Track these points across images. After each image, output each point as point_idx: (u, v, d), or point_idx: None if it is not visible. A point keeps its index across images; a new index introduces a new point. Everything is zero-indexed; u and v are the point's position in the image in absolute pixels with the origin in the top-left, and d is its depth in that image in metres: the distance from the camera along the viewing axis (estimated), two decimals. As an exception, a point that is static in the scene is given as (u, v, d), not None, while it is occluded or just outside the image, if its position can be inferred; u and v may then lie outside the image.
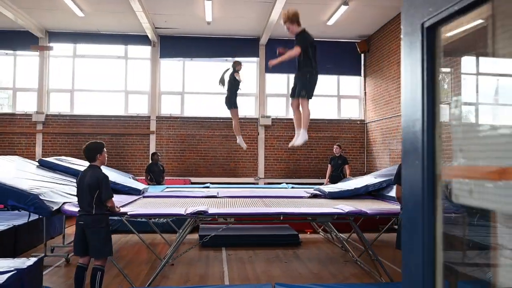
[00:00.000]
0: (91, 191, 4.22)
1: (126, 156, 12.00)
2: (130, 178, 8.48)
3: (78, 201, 4.35)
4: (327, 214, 4.76)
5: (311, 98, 5.08)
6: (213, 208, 5.07)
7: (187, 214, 4.55)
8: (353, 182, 7.57)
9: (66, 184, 5.67)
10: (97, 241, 4.20)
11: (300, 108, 5.16)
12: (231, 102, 7.67)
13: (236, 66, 7.49)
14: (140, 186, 7.20)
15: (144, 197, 6.73)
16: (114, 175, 7.31)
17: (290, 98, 5.47)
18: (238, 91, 7.60)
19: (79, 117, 11.95)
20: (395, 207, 5.48)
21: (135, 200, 6.19)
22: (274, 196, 6.78)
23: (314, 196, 6.85)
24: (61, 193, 5.12)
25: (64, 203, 4.89)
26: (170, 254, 5.29)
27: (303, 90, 5.00)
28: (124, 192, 6.60)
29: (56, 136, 11.88)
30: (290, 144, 5.35)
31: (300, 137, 5.09)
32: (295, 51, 4.82)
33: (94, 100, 12.21)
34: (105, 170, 8.50)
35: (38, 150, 11.79)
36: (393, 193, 6.32)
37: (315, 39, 5.11)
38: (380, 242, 7.14)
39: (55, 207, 4.73)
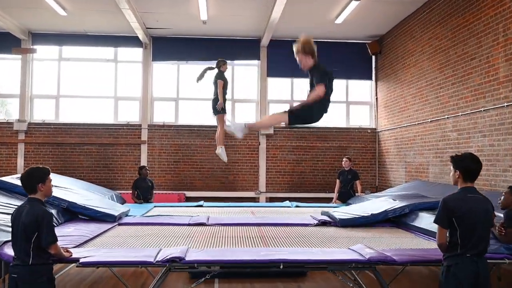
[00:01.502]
0: (27, 234, 3.19)
1: (115, 168, 11.10)
2: (110, 197, 7.45)
3: (12, 247, 3.32)
4: (341, 262, 3.69)
5: (294, 123, 4.38)
6: (193, 250, 4.03)
7: (157, 262, 3.51)
8: (368, 205, 6.47)
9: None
10: (33, 301, 3.16)
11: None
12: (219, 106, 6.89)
13: (221, 66, 6.85)
14: (117, 209, 6.17)
15: (119, 224, 5.69)
16: (87, 196, 6.34)
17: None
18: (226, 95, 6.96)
19: (65, 125, 11.11)
20: (429, 246, 4.40)
21: (106, 231, 5.15)
22: (274, 224, 5.86)
23: (322, 223, 5.81)
24: (6, 228, 4.08)
25: (5, 242, 3.87)
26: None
27: (297, 110, 4.31)
28: (96, 218, 5.59)
29: (40, 146, 11.05)
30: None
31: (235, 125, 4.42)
32: (319, 90, 4.12)
33: (81, 107, 11.42)
34: (81, 185, 7.60)
35: (20, 161, 10.95)
36: (419, 222, 5.25)
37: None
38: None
39: (-10, 249, 3.71)
